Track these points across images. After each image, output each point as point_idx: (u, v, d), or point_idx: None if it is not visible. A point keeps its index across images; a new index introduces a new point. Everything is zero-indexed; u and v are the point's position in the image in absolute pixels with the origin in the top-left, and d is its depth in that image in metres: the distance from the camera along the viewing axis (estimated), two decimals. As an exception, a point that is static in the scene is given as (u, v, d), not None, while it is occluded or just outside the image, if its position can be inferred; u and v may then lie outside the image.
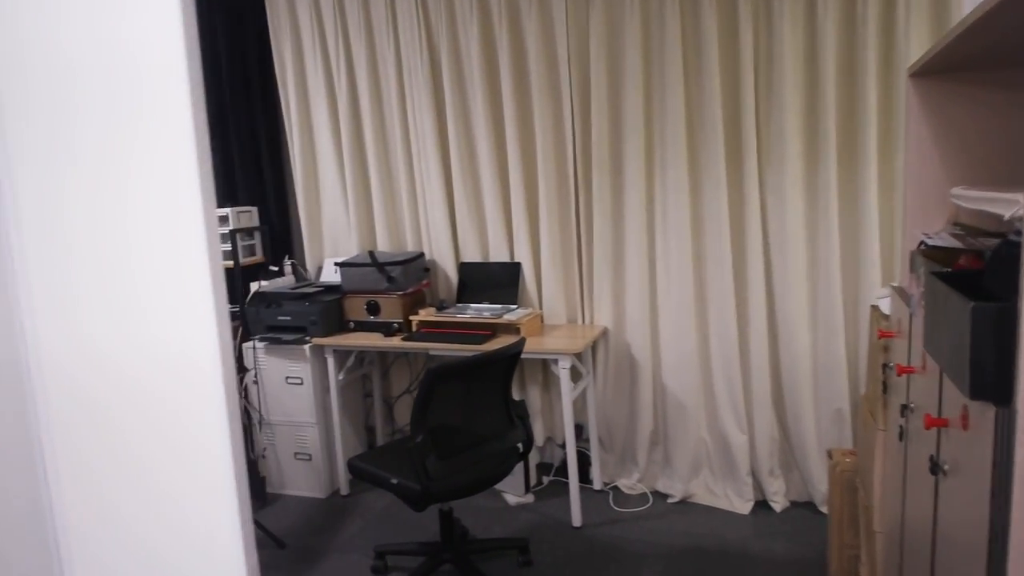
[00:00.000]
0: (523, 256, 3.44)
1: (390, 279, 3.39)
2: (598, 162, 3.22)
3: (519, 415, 2.68)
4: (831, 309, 2.95)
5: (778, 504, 3.12)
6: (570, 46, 3.20)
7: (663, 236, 3.16)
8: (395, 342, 3.26)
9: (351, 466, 2.61)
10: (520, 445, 2.65)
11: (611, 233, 3.27)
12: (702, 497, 3.25)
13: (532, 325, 3.25)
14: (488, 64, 3.35)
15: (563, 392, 3.02)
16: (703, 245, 3.13)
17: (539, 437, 3.57)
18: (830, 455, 2.39)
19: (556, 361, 3.02)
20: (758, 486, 3.19)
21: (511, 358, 2.56)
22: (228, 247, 3.69)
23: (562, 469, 3.53)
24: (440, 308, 3.48)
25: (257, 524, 3.08)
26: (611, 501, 3.30)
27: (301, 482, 3.53)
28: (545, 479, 3.53)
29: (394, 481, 2.44)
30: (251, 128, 3.89)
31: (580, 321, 3.43)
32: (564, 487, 3.32)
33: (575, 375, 3.13)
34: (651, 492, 3.35)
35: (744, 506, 3.14)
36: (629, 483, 3.39)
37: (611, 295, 3.32)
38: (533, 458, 3.47)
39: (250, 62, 3.81)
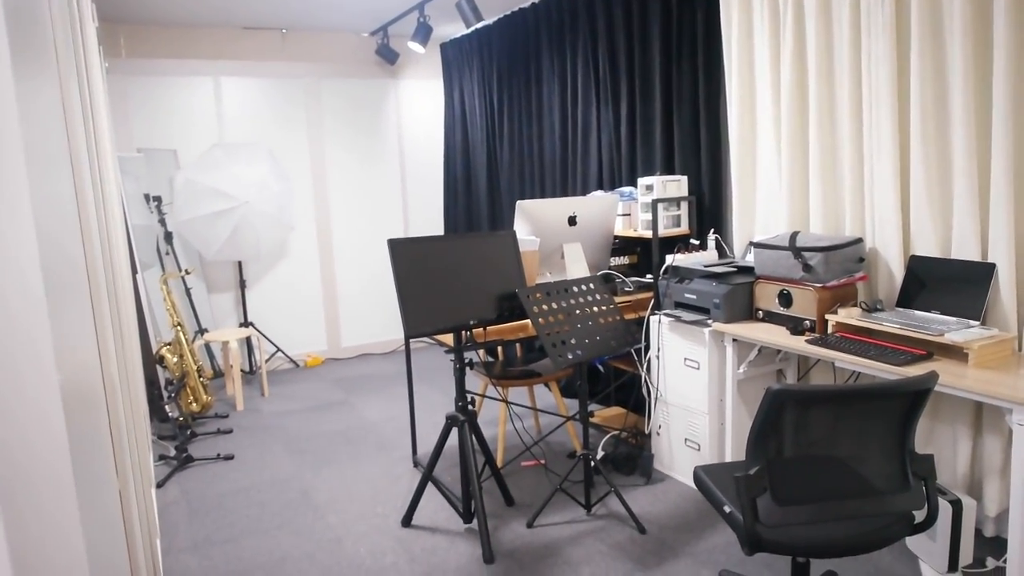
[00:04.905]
0: (1001, 256, 2.49)
1: (806, 267, 2.85)
2: None
3: (921, 473, 1.97)
4: None
5: None
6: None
7: None
8: (798, 343, 2.75)
9: (695, 475, 2.32)
10: (915, 514, 1.96)
11: None
12: None
13: (991, 353, 2.35)
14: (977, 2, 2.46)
15: (1014, 458, 2.11)
16: None
17: (992, 504, 2.62)
18: None
19: (1011, 412, 2.12)
20: None
21: (910, 396, 1.88)
22: (649, 216, 3.63)
23: None
24: (871, 310, 2.79)
25: (624, 504, 3.02)
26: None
27: (687, 469, 3.34)
28: (991, 561, 2.58)
29: (727, 509, 2.07)
30: (693, 93, 3.69)
31: (1083, 360, 2.34)
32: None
33: (1046, 438, 2.15)
34: None
35: None
36: None
37: None
38: (972, 528, 2.57)
39: (698, 27, 3.58)
